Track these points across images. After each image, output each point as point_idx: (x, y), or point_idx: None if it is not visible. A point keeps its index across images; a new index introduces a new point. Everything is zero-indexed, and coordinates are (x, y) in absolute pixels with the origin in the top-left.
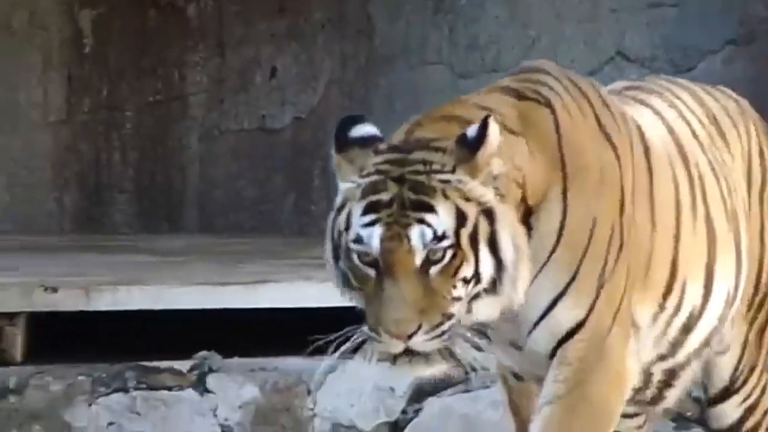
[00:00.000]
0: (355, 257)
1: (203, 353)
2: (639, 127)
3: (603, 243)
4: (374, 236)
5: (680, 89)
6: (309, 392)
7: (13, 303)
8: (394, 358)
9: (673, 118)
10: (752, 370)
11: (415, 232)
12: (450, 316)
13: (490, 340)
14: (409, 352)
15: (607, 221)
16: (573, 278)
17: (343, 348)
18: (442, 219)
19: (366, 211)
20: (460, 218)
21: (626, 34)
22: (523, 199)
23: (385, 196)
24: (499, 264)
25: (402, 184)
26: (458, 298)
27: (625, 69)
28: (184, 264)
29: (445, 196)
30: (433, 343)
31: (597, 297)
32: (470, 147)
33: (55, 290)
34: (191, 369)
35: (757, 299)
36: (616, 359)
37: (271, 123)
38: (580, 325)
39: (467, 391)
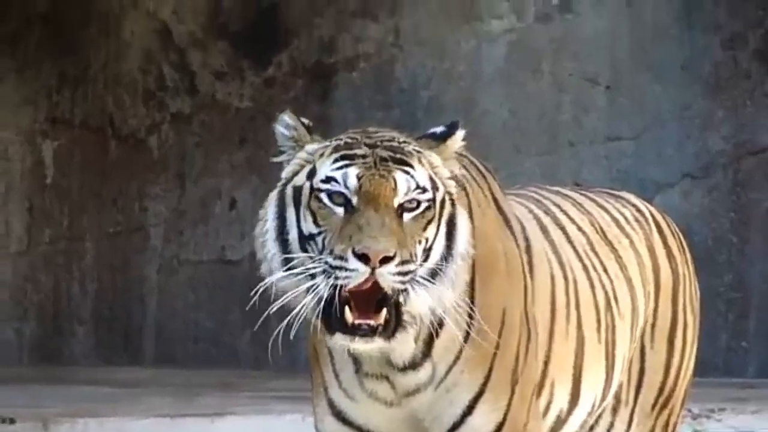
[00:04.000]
0: (324, 197)
1: None
2: (519, 220)
3: (514, 336)
4: (350, 174)
5: (560, 197)
6: None
7: None
8: (353, 333)
9: (548, 222)
10: None
11: (399, 176)
12: (415, 261)
13: None
14: (372, 331)
15: (516, 312)
16: (488, 377)
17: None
18: (420, 176)
19: (338, 159)
20: (434, 183)
21: (584, 167)
22: None
23: (360, 152)
24: (448, 251)
25: (375, 148)
26: (417, 255)
27: None
28: (142, 396)
29: (420, 162)
30: (397, 279)
31: (512, 395)
32: (438, 138)
33: (12, 421)
34: None
35: (662, 399)
36: None
37: (230, 254)
38: (499, 429)
39: None
